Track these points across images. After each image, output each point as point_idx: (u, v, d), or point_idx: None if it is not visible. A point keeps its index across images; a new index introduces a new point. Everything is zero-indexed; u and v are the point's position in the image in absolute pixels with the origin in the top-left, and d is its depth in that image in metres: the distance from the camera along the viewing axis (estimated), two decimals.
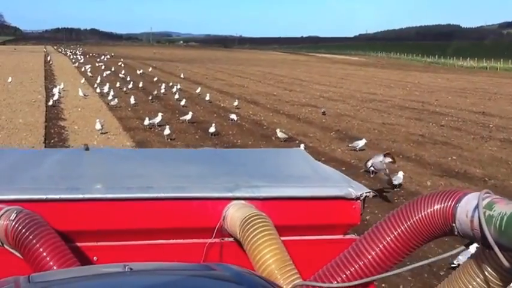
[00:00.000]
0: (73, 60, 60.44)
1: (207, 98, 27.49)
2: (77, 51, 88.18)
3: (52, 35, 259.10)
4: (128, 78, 37.35)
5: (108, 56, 71.26)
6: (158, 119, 19.13)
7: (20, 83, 32.90)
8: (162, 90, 30.31)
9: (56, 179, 3.10)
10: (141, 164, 3.59)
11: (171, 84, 34.34)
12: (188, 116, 20.43)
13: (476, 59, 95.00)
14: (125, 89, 30.90)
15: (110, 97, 25.85)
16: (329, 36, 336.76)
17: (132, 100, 25.07)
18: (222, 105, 26.73)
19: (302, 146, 14.04)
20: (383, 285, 7.14)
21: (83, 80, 34.67)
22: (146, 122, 19.03)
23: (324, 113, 23.79)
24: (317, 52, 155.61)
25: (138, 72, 44.05)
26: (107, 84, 30.31)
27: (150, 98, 26.63)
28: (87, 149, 3.72)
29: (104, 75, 39.15)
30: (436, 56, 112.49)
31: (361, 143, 15.32)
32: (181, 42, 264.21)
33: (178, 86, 31.89)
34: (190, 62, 75.41)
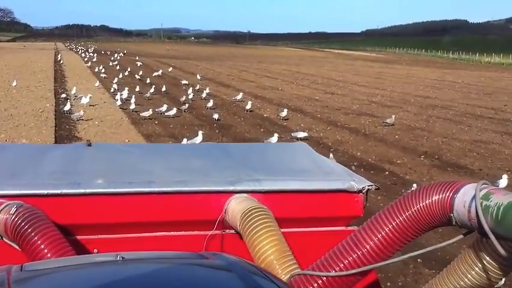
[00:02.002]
0: (85, 59, 56.14)
1: (248, 106, 23.18)
2: (89, 49, 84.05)
3: (62, 32, 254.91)
4: (148, 81, 33.20)
5: (122, 54, 66.96)
6: (199, 138, 14.95)
7: (26, 87, 28.79)
8: (190, 96, 26.06)
9: (58, 174, 3.05)
10: (143, 158, 3.50)
11: (198, 87, 30.17)
12: None
13: (502, 55, 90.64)
14: (148, 94, 26.70)
15: (133, 105, 21.75)
16: (336, 31, 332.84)
17: (160, 109, 21.00)
18: (265, 115, 22.48)
19: (414, 185, 9.93)
20: (379, 274, 5.00)
21: (97, 83, 30.54)
22: (184, 142, 14.79)
23: (387, 124, 19.71)
24: (330, 48, 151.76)
25: (157, 73, 39.82)
26: (126, 89, 26.16)
27: (181, 107, 22.26)
28: (89, 144, 3.67)
29: (120, 76, 34.88)
30: (457, 52, 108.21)
31: (502, 182, 10.89)
32: (193, 38, 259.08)
33: (208, 90, 27.70)
34: (208, 59, 71.27)
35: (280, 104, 25.81)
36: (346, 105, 26.48)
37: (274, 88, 33.80)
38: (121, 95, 25.09)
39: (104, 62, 49.88)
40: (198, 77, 37.44)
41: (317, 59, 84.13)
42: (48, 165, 3.23)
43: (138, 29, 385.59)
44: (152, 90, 27.35)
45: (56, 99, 24.71)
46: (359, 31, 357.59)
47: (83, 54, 65.73)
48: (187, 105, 21.64)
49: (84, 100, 22.66)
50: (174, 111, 20.47)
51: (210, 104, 23.46)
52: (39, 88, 29.01)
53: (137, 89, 28.61)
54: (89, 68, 44.43)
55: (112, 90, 28.10)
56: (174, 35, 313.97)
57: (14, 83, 28.53)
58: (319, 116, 22.76)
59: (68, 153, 3.68)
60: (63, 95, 25.13)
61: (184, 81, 33.64)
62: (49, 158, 3.39)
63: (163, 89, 28.65)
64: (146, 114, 19.74)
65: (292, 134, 16.95)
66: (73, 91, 25.99)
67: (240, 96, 24.48)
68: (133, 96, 23.79)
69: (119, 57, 59.07)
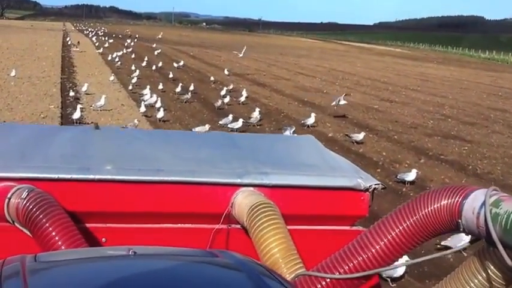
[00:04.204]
0: (96, 44, 50.99)
1: (310, 121, 18.20)
2: (99, 32, 78.93)
3: (72, 11, 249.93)
4: (171, 75, 28.26)
5: (135, 40, 61.75)
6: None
7: (27, 79, 23.88)
8: (226, 100, 21.10)
9: (68, 157, 3.03)
10: (152, 145, 3.45)
11: (231, 87, 25.21)
12: None
13: None
14: (179, 94, 21.83)
15: (161, 113, 16.90)
16: (348, 23, 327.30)
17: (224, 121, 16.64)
18: (329, 134, 17.55)
19: None
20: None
21: (112, 77, 25.61)
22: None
23: None
24: (347, 40, 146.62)
25: (178, 64, 34.84)
26: (148, 89, 21.23)
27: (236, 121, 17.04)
28: (97, 127, 3.63)
29: (137, 72, 29.80)
30: (487, 52, 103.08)
31: None
32: (204, 24, 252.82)
33: (245, 93, 22.75)
34: (226, 48, 66.19)
35: (337, 114, 20.96)
36: (418, 120, 21.54)
37: (317, 90, 28.84)
38: (142, 97, 20.20)
39: (117, 48, 44.89)
40: (226, 72, 32.36)
41: (341, 53, 79.02)
42: (58, 148, 3.18)
43: (148, 12, 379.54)
44: (179, 89, 22.38)
45: (63, 98, 19.84)
46: (371, 23, 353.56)
47: (94, 38, 60.41)
48: (231, 117, 16.76)
49: (99, 103, 17.81)
50: (239, 124, 16.03)
51: (256, 114, 18.48)
52: (43, 80, 24.08)
53: (160, 86, 23.68)
54: (100, 56, 39.32)
55: (130, 87, 23.12)
56: (185, 20, 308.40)
57: (13, 73, 23.61)
58: (396, 137, 17.85)
59: (76, 135, 3.62)
60: (72, 93, 20.21)
61: (212, 78, 28.59)
62: (58, 140, 3.35)
63: (191, 87, 23.64)
64: (201, 129, 14.52)
65: (398, 176, 12.15)
66: (84, 88, 21.08)
67: (312, 119, 18.28)
68: (159, 99, 18.86)
69: (133, 43, 53.85)
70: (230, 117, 16.66)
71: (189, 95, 21.61)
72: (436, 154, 15.46)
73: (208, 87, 26.21)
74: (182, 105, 20.60)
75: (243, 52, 42.20)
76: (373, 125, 19.79)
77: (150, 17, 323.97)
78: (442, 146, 16.63)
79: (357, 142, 16.01)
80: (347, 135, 16.66)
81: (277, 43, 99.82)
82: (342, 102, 20.39)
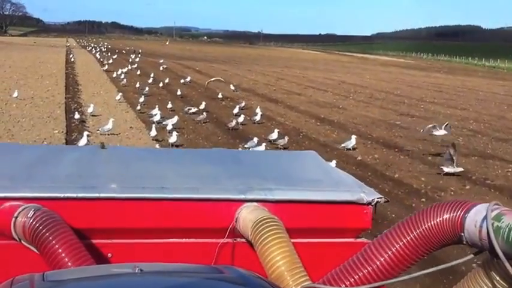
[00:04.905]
0: (100, 59, 49.67)
1: (350, 144, 16.81)
2: (102, 47, 77.85)
3: (74, 27, 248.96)
4: (179, 92, 27.02)
5: (139, 55, 60.48)
6: None
7: (30, 100, 22.65)
8: (240, 119, 19.80)
9: (73, 177, 3.08)
10: (156, 163, 3.51)
11: (243, 104, 23.97)
12: None
13: None
14: (186, 115, 20.54)
15: (174, 138, 15.60)
16: (346, 34, 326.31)
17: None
18: (358, 157, 16.18)
19: None
20: None
21: (118, 96, 24.30)
22: None
23: None
24: (348, 51, 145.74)
25: (185, 80, 33.56)
26: (157, 108, 20.00)
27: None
28: (103, 147, 3.69)
29: (142, 84, 28.46)
30: (491, 60, 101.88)
31: None
32: (205, 37, 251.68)
33: (259, 111, 21.46)
34: (230, 62, 65.19)
35: (360, 133, 19.67)
36: (446, 137, 20.17)
37: (332, 105, 27.54)
38: (151, 118, 18.99)
39: (121, 64, 43.75)
40: (232, 87, 31.10)
41: (345, 64, 77.82)
42: (64, 168, 3.23)
43: (149, 27, 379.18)
44: (193, 110, 21.02)
45: (68, 121, 18.58)
46: (370, 34, 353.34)
47: (98, 55, 59.16)
48: (256, 140, 15.47)
49: (106, 127, 16.55)
50: (263, 147, 14.78)
51: (275, 135, 17.18)
52: (47, 101, 22.84)
53: (169, 105, 22.43)
54: (105, 73, 38.06)
55: (138, 107, 21.84)
56: (186, 34, 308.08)
57: (15, 94, 22.38)
58: (430, 158, 16.51)
59: (82, 155, 3.68)
60: (77, 115, 18.93)
61: (220, 95, 27.27)
62: (64, 160, 3.39)
63: (202, 106, 22.36)
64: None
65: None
66: (90, 109, 19.83)
67: (353, 141, 16.83)
68: (170, 121, 17.61)
69: (137, 59, 52.65)
70: (255, 140, 15.42)
71: (204, 115, 20.31)
72: (480, 178, 14.11)
73: (219, 105, 24.95)
74: (194, 126, 19.32)
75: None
76: (402, 144, 18.46)
77: (151, 31, 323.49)
78: (482, 168, 15.30)
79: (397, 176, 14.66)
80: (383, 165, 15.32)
81: (280, 55, 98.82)
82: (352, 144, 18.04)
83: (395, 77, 53.99)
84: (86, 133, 14.79)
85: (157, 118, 18.86)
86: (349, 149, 16.65)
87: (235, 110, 22.08)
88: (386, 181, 13.67)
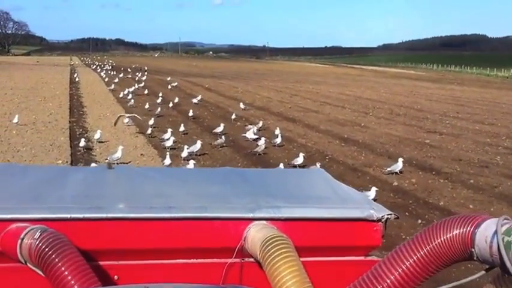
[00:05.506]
0: (105, 80, 48.25)
1: (396, 168, 15.18)
2: (107, 65, 76.61)
3: (78, 45, 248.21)
4: (191, 113, 25.42)
5: (146, 73, 58.96)
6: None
7: (31, 126, 21.12)
8: (261, 142, 18.09)
9: (80, 198, 3.04)
10: (164, 183, 3.46)
11: (260, 125, 22.36)
12: None
13: None
14: (199, 138, 18.92)
15: (191, 165, 13.95)
16: (352, 46, 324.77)
17: None
18: (394, 183, 14.55)
19: None
20: None
21: (126, 119, 22.75)
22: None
23: None
24: (356, 63, 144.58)
25: (195, 99, 31.99)
26: (169, 132, 18.46)
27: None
28: (110, 167, 3.63)
29: (158, 109, 26.80)
30: (503, 70, 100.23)
31: None
32: (211, 52, 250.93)
33: (279, 132, 19.85)
34: (238, 78, 63.77)
35: (389, 154, 18.12)
36: (482, 156, 18.67)
37: (353, 123, 25.89)
38: (163, 142, 17.44)
39: (127, 83, 42.29)
40: (242, 106, 29.53)
41: (356, 78, 76.32)
42: (71, 188, 3.18)
43: (153, 43, 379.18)
44: (220, 141, 19.09)
45: (72, 149, 17.02)
46: (376, 45, 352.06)
47: (102, 73, 57.65)
48: (282, 166, 13.87)
49: (115, 156, 14.99)
50: None
51: (300, 160, 15.60)
52: (50, 126, 21.28)
53: (181, 128, 20.85)
54: (111, 93, 36.47)
55: (149, 131, 20.25)
56: (192, 50, 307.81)
57: (16, 119, 20.87)
58: (472, 181, 14.98)
59: (89, 176, 3.61)
60: (82, 142, 17.33)
61: (234, 115, 25.59)
62: (71, 181, 3.33)
63: (221, 128, 20.75)
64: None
65: None
66: (96, 135, 18.25)
67: (400, 164, 15.42)
68: (194, 147, 16.09)
69: (144, 77, 51.18)
70: (282, 166, 13.87)
71: (223, 139, 18.73)
72: None
73: (234, 126, 23.31)
74: (211, 151, 17.70)
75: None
76: (438, 166, 16.82)
77: (156, 47, 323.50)
78: None
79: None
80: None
81: (288, 69, 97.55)
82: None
83: (411, 90, 52.34)
84: (93, 164, 13.18)
85: (169, 143, 17.37)
86: (397, 173, 15.30)
87: (253, 130, 20.47)
88: (432, 210, 12.20)
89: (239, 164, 15.95)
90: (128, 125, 22.02)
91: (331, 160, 17.21)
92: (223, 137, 19.09)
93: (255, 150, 17.38)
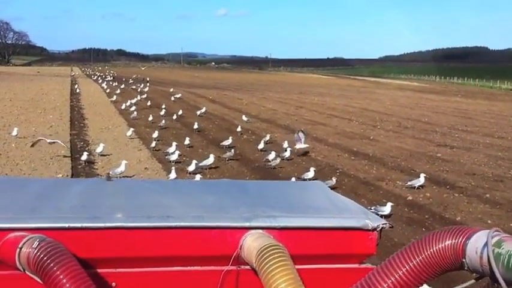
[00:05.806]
0: (107, 90, 47.65)
1: (417, 183, 14.64)
2: (108, 76, 76.10)
3: (79, 56, 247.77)
4: (196, 126, 24.80)
5: (148, 84, 58.39)
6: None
7: (31, 138, 20.48)
8: (272, 156, 17.29)
9: (78, 208, 3.05)
10: (162, 194, 3.46)
11: (268, 138, 21.72)
12: None
13: None
14: (205, 152, 18.26)
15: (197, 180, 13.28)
16: (354, 57, 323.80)
17: None
18: (409, 197, 13.89)
19: None
20: None
21: (129, 132, 22.11)
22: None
23: None
24: (359, 75, 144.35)
25: (200, 111, 31.42)
26: (174, 146, 17.84)
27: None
28: (109, 179, 3.65)
29: (162, 122, 26.14)
30: (506, 82, 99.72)
31: None
32: (213, 63, 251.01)
33: (287, 145, 19.25)
34: (241, 89, 63.31)
35: (401, 168, 17.51)
36: (495, 170, 18.17)
37: (362, 136, 25.27)
38: (167, 152, 16.86)
39: (129, 94, 41.76)
40: (245, 118, 28.89)
41: (359, 89, 75.85)
42: (69, 199, 3.21)
43: (155, 53, 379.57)
44: (228, 154, 18.39)
45: (73, 163, 16.39)
46: (377, 57, 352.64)
47: (104, 84, 57.07)
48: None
49: (118, 170, 14.38)
50: None
51: (311, 174, 15.00)
52: (50, 139, 20.62)
53: (186, 141, 20.21)
54: (113, 104, 35.89)
55: (153, 144, 19.61)
56: (194, 60, 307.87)
57: (15, 132, 20.27)
58: (488, 196, 14.61)
59: (88, 187, 3.63)
60: (84, 156, 16.68)
61: (239, 128, 24.96)
62: (70, 192, 3.37)
63: (229, 141, 20.14)
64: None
65: None
66: (99, 148, 17.63)
67: (422, 179, 14.96)
68: (194, 162, 15.43)
69: (146, 88, 50.63)
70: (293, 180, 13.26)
71: (232, 152, 18.12)
72: None
73: (241, 139, 22.70)
74: (218, 164, 17.03)
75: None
76: (451, 180, 16.25)
77: (158, 58, 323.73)
78: None
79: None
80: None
81: (291, 81, 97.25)
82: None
83: (416, 102, 51.77)
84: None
85: (174, 157, 16.76)
86: (418, 188, 14.83)
87: (261, 145, 19.87)
88: (449, 225, 11.41)
89: (247, 178, 15.31)
90: (131, 138, 21.38)
91: (342, 174, 16.59)
92: (232, 150, 18.47)
93: (269, 164, 16.78)
